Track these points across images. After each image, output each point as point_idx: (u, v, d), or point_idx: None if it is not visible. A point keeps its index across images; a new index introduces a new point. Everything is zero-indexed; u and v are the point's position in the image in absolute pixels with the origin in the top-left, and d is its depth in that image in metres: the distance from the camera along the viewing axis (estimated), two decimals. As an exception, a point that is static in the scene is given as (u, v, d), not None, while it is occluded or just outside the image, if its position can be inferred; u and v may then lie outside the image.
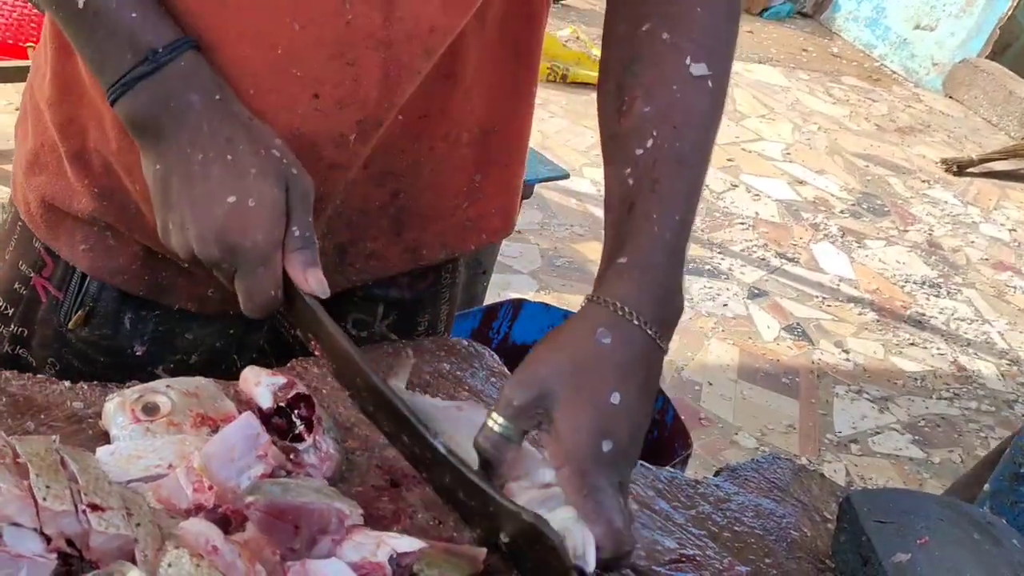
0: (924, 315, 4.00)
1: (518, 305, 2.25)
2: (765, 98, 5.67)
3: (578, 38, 5.19)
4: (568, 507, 0.82)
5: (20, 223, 1.08)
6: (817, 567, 1.01)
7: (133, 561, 0.68)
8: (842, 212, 4.66)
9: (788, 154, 5.08)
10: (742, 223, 4.30)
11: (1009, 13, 6.37)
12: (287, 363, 1.05)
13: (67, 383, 0.92)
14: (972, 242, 4.73)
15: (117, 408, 0.86)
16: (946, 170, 5.39)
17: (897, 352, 3.71)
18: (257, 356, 1.17)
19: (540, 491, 0.84)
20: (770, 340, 3.56)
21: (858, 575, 0.97)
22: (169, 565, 0.66)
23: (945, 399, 3.51)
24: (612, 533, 0.81)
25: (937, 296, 4.17)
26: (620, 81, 0.95)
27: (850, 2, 7.05)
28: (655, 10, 0.95)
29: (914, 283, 4.22)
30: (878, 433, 3.25)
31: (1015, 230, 4.95)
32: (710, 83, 0.93)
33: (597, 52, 4.88)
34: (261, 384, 0.88)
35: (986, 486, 1.70)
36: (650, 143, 0.91)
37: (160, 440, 0.82)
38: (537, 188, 2.76)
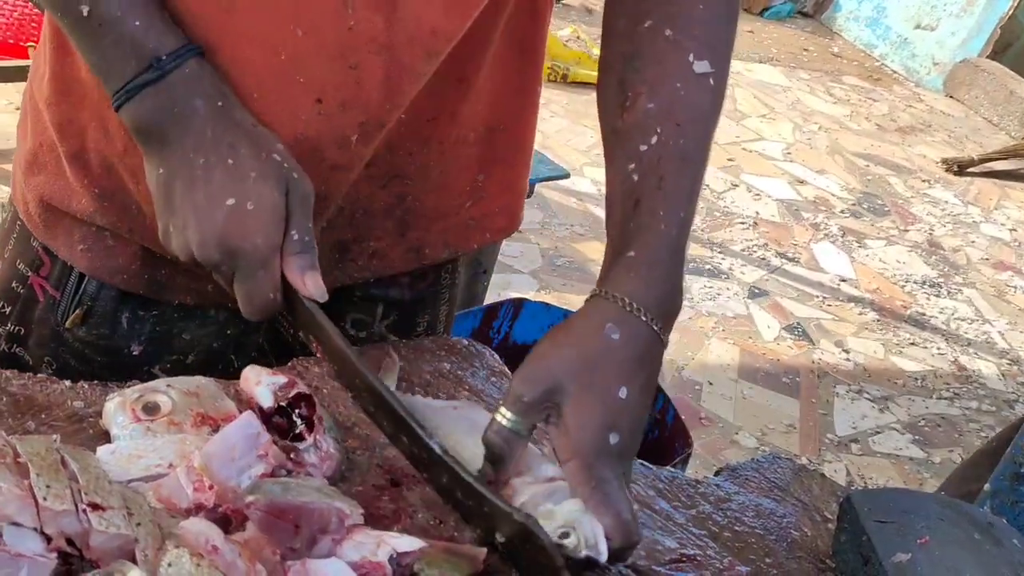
0: (924, 315, 4.00)
1: (519, 305, 2.25)
2: (766, 98, 5.66)
3: (578, 37, 5.19)
4: (575, 500, 0.83)
5: (19, 222, 1.09)
6: (817, 567, 1.01)
7: (133, 560, 0.68)
8: (842, 212, 4.66)
9: (789, 154, 5.07)
10: (743, 223, 4.29)
11: (1010, 13, 6.37)
12: (286, 363, 1.05)
13: (68, 382, 0.92)
14: (972, 242, 4.73)
15: (118, 407, 0.86)
16: (947, 170, 5.39)
17: (897, 352, 3.71)
18: (256, 356, 1.17)
19: (544, 485, 0.85)
20: (770, 340, 3.56)
21: (858, 575, 0.97)
22: (169, 564, 0.66)
23: (945, 399, 3.51)
24: (621, 524, 0.82)
25: (937, 296, 4.17)
26: (622, 76, 0.95)
27: (851, 2, 7.04)
28: (656, 7, 0.95)
29: (914, 283, 4.22)
30: (878, 433, 3.25)
31: (1015, 230, 4.95)
32: (712, 81, 0.94)
33: (598, 52, 4.88)
34: (262, 383, 0.88)
35: (986, 486, 1.70)
36: (654, 139, 0.92)
37: (160, 439, 0.82)
38: (538, 188, 2.77)
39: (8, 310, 1.10)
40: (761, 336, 3.57)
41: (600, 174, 4.29)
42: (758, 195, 4.57)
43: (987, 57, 6.47)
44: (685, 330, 3.43)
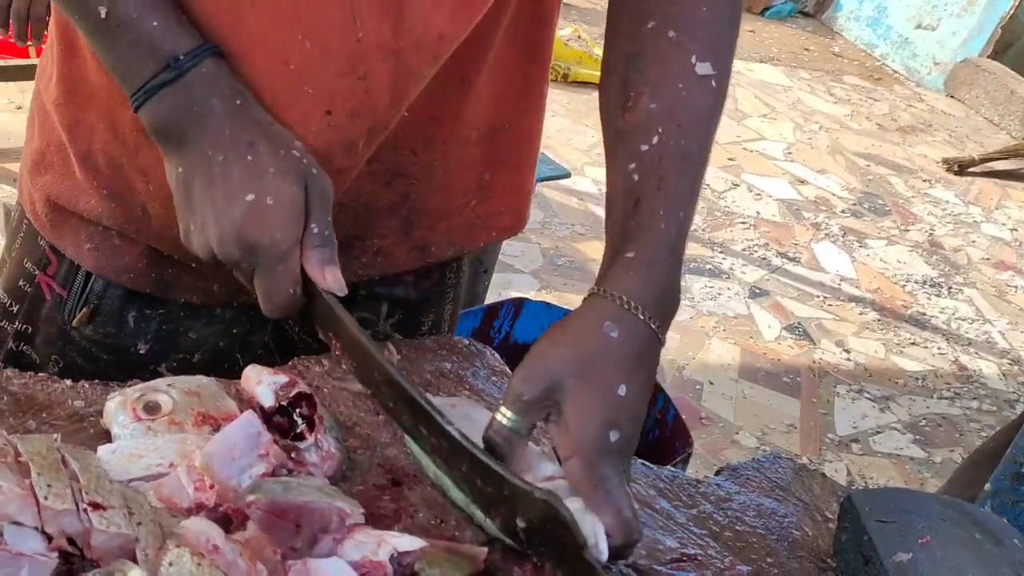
0: (925, 315, 4.00)
1: (519, 304, 2.25)
2: (767, 97, 5.66)
3: (579, 37, 5.19)
4: (575, 499, 0.83)
5: (25, 221, 1.09)
6: (818, 566, 1.01)
7: (134, 560, 0.68)
8: (843, 211, 4.66)
9: (789, 153, 5.07)
10: (743, 222, 4.29)
11: (1011, 12, 6.36)
12: (290, 362, 1.05)
13: (68, 382, 0.92)
14: (973, 242, 4.72)
15: (118, 407, 0.86)
16: (947, 170, 5.39)
17: (898, 351, 3.71)
18: (262, 354, 1.17)
19: (544, 484, 0.85)
20: (771, 339, 3.56)
21: (859, 575, 0.97)
22: (170, 564, 0.66)
23: (946, 399, 3.51)
24: (622, 521, 0.82)
25: (938, 296, 4.17)
26: (625, 77, 0.96)
27: (852, 1, 7.04)
28: (659, 9, 0.96)
29: (915, 282, 4.22)
30: (879, 432, 3.25)
31: (1016, 230, 4.95)
32: (714, 83, 0.94)
33: (598, 51, 4.88)
34: (263, 383, 0.88)
35: (987, 485, 1.70)
36: (656, 140, 0.92)
37: (161, 439, 0.82)
38: (538, 187, 2.76)
39: (15, 308, 1.11)
40: (762, 336, 3.57)
41: (601, 174, 4.28)
42: (759, 195, 4.57)
43: (988, 57, 6.46)
44: (686, 330, 3.43)
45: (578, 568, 0.78)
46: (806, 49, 6.63)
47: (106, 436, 0.86)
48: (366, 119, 0.93)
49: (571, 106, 4.75)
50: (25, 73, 3.01)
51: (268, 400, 0.87)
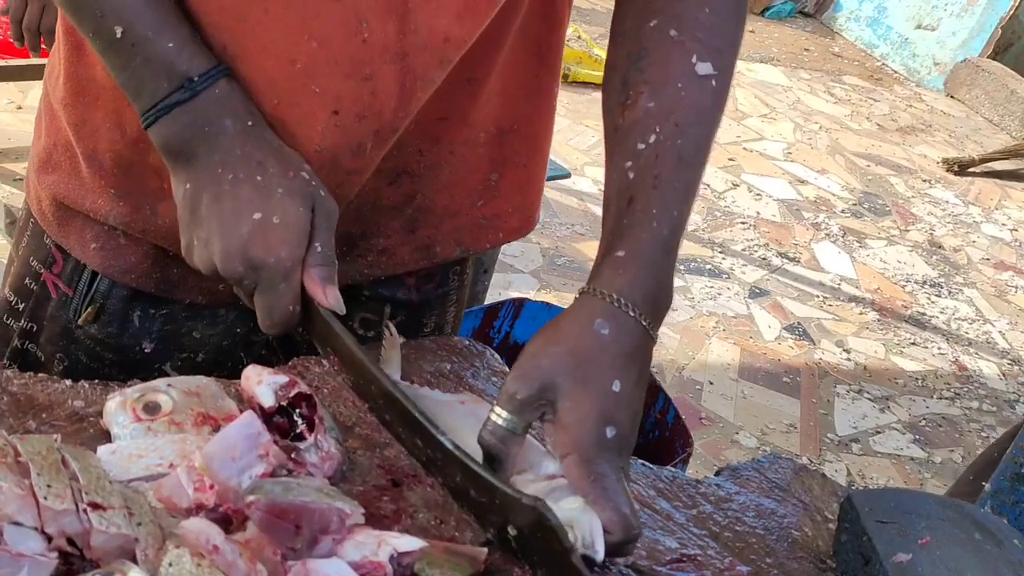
0: (925, 315, 4.00)
1: (519, 304, 2.25)
2: (766, 97, 5.66)
3: (579, 37, 5.19)
4: (574, 497, 0.83)
5: (32, 220, 1.10)
6: (818, 567, 1.01)
7: (134, 560, 0.67)
8: (843, 212, 4.66)
9: (789, 153, 5.07)
10: (743, 222, 4.29)
11: (1011, 13, 6.37)
12: (290, 362, 1.05)
13: (68, 382, 0.92)
14: (973, 242, 4.73)
15: (118, 407, 0.85)
16: (947, 170, 5.39)
17: (898, 352, 3.71)
18: (265, 354, 1.17)
19: (545, 482, 0.86)
20: (771, 340, 3.56)
21: (859, 575, 0.97)
22: (170, 564, 0.66)
23: (946, 399, 3.51)
24: (620, 518, 0.82)
25: (938, 296, 4.17)
26: (625, 75, 0.96)
27: (851, 2, 7.04)
28: (663, 8, 0.96)
29: (915, 283, 4.22)
30: (879, 433, 3.25)
31: (1016, 230, 4.95)
32: (714, 83, 0.94)
33: (598, 51, 4.88)
34: (263, 383, 0.88)
35: (987, 486, 1.70)
36: (652, 139, 0.92)
37: (161, 439, 0.82)
38: (538, 187, 2.75)
39: (21, 307, 1.11)
40: (762, 336, 3.57)
41: (601, 174, 4.29)
42: (759, 195, 4.57)
43: (988, 57, 6.47)
44: (686, 330, 3.43)
45: (566, 573, 0.78)
46: (806, 49, 6.63)
47: (106, 436, 0.86)
48: (373, 121, 0.94)
49: (571, 106, 4.75)
50: (25, 73, 3.01)
51: (268, 400, 0.87)
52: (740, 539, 1.01)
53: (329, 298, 0.88)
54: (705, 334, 3.47)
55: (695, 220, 3.97)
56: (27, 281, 1.11)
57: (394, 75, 0.92)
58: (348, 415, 0.98)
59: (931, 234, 4.68)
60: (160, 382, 0.89)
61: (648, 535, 0.95)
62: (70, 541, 0.67)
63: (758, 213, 4.41)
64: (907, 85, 6.55)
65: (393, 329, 1.07)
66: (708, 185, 4.43)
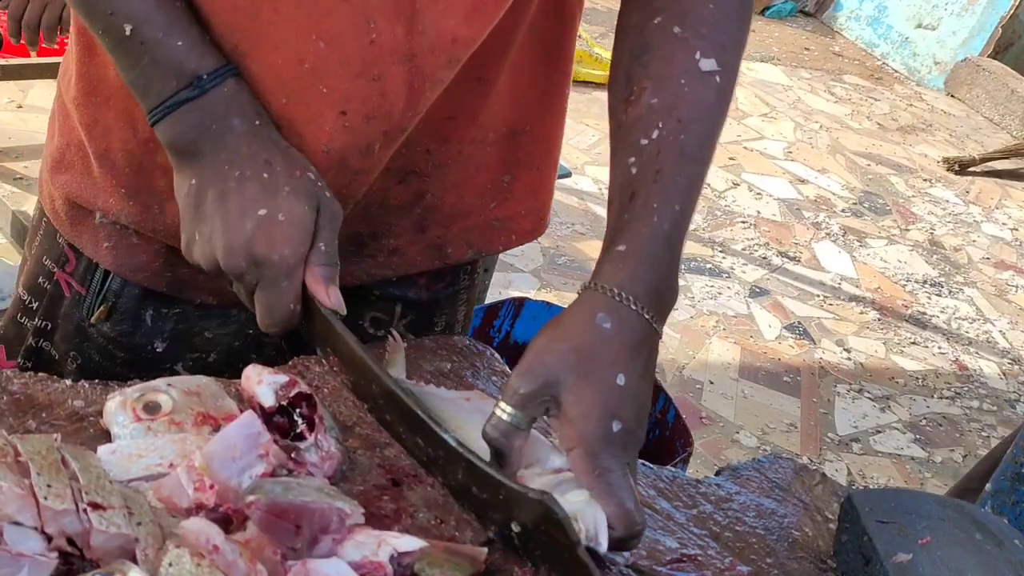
0: (925, 314, 4.00)
1: (519, 303, 2.25)
2: (767, 96, 5.66)
3: (580, 36, 5.18)
4: (580, 490, 0.83)
5: (45, 219, 1.11)
6: (818, 567, 1.01)
7: (134, 560, 0.67)
8: (844, 211, 4.66)
9: (790, 153, 5.07)
10: (743, 222, 4.29)
11: (1011, 12, 6.36)
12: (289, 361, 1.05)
13: (68, 382, 0.92)
14: (973, 241, 4.72)
15: (118, 407, 0.85)
16: (948, 169, 5.38)
17: (898, 351, 3.71)
18: (276, 355, 1.17)
19: (552, 476, 0.86)
20: (771, 339, 3.56)
21: (859, 575, 0.97)
22: (170, 564, 0.66)
23: (946, 398, 3.51)
24: (623, 513, 0.83)
25: (938, 295, 4.17)
26: (629, 72, 0.96)
27: (852, 1, 7.04)
28: (667, 4, 0.96)
29: (915, 282, 4.22)
30: (879, 432, 3.25)
31: (1016, 229, 4.95)
32: (718, 79, 0.95)
33: (599, 51, 4.88)
34: (263, 383, 0.88)
35: (987, 485, 1.70)
36: (655, 134, 0.92)
37: (161, 439, 0.82)
38: (539, 187, 2.75)
39: (35, 305, 1.12)
40: (762, 335, 3.56)
41: (601, 173, 4.30)
42: (759, 194, 4.57)
43: (988, 56, 6.46)
44: (686, 329, 3.43)
45: (572, 567, 0.78)
46: (806, 48, 6.63)
47: (106, 436, 0.86)
48: (382, 121, 0.94)
49: (571, 105, 4.67)
50: (25, 72, 3.01)
51: (268, 400, 0.87)
52: (740, 539, 1.01)
53: (331, 298, 0.88)
54: (705, 333, 3.47)
55: (695, 219, 3.97)
56: (40, 280, 1.11)
57: (403, 76, 0.92)
58: (348, 415, 0.98)
59: (931, 233, 4.68)
60: (160, 382, 0.89)
61: (648, 535, 0.95)
62: (70, 541, 0.67)
63: (758, 212, 4.41)
64: (907, 84, 6.54)
65: (397, 336, 1.07)
66: (708, 184, 4.42)
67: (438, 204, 1.09)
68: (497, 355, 1.18)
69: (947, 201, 5.05)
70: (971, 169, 5.41)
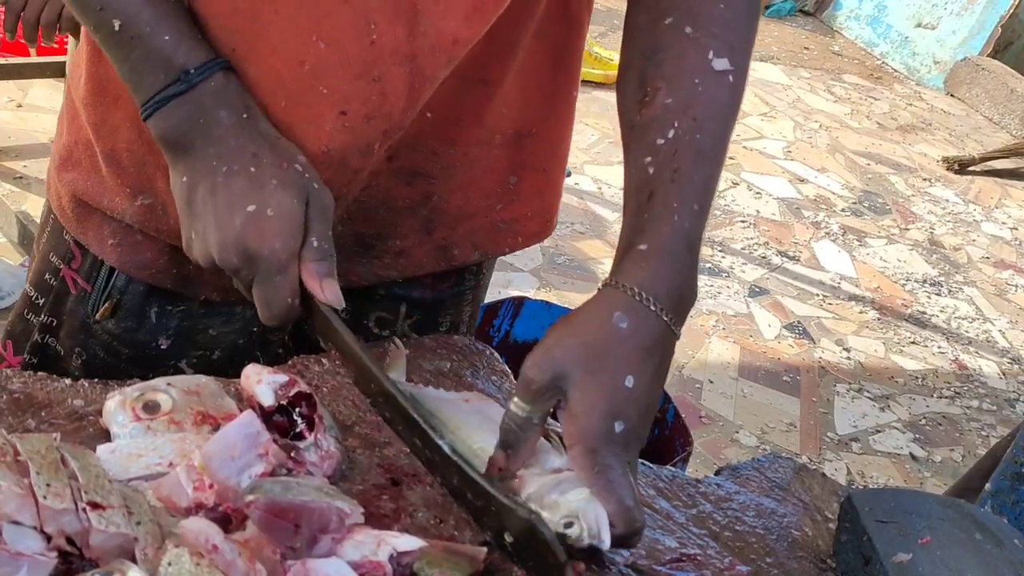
0: (925, 313, 4.00)
1: (519, 303, 2.25)
2: (766, 96, 5.66)
3: (580, 36, 5.18)
4: (580, 490, 0.84)
5: (52, 216, 1.11)
6: (818, 567, 1.01)
7: (133, 559, 0.67)
8: (843, 210, 4.66)
9: (789, 152, 5.07)
10: (743, 221, 4.29)
11: (1011, 11, 6.36)
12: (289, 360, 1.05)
13: (67, 381, 0.92)
14: (973, 240, 4.72)
15: (118, 406, 0.85)
16: (947, 168, 5.38)
17: (898, 350, 3.71)
18: (281, 353, 1.18)
19: (551, 476, 0.86)
20: (771, 338, 3.56)
21: (859, 575, 0.97)
22: (169, 564, 0.66)
23: (946, 398, 3.51)
24: (623, 511, 0.83)
25: (938, 294, 4.17)
26: (642, 72, 0.96)
27: (851, 0, 7.04)
28: (677, 5, 0.96)
29: (915, 281, 4.22)
30: (879, 432, 3.25)
31: (1016, 229, 4.95)
32: (731, 78, 0.95)
33: (599, 50, 4.87)
34: (262, 382, 0.88)
35: (987, 485, 1.70)
36: (671, 134, 0.93)
37: (161, 438, 0.82)
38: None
39: (41, 301, 1.13)
40: (761, 335, 3.56)
41: (601, 172, 4.31)
42: (759, 193, 4.57)
43: (988, 56, 6.46)
44: (685, 328, 3.37)
45: None
46: (806, 48, 6.62)
47: (105, 435, 0.86)
48: (382, 121, 0.94)
49: (571, 105, 4.74)
50: (25, 72, 3.01)
51: (268, 399, 0.87)
52: (740, 539, 1.00)
53: (327, 293, 0.88)
54: (705, 333, 3.47)
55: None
56: (47, 276, 1.12)
57: (403, 77, 0.92)
58: (348, 414, 0.98)
59: (931, 233, 4.68)
60: (159, 381, 0.89)
61: (648, 534, 0.95)
62: (69, 540, 0.67)
63: (758, 212, 4.41)
64: (907, 84, 6.54)
65: (399, 343, 1.07)
66: (708, 184, 4.41)
67: (444, 206, 1.09)
68: (496, 354, 1.18)
69: (947, 200, 5.05)
70: (971, 168, 5.41)
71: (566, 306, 2.27)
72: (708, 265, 3.87)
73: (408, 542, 0.77)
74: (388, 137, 0.96)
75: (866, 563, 0.96)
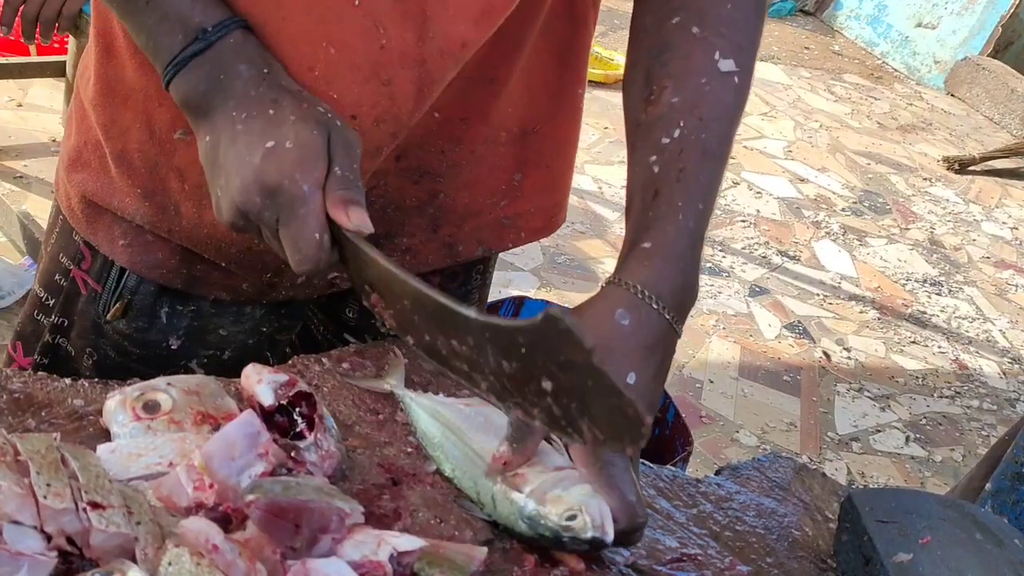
0: (925, 313, 4.00)
1: (519, 302, 2.25)
2: (767, 96, 5.66)
3: (580, 35, 5.17)
4: (583, 485, 0.85)
5: (61, 217, 1.11)
6: (819, 567, 1.01)
7: (133, 559, 0.67)
8: (843, 210, 4.66)
9: (790, 152, 5.07)
10: (743, 221, 4.29)
11: (1011, 11, 6.36)
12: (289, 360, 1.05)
13: (68, 380, 0.92)
14: (973, 240, 4.72)
15: (118, 406, 0.85)
16: (948, 168, 5.38)
17: (898, 350, 3.70)
18: (289, 353, 1.18)
19: (553, 473, 0.87)
20: (771, 338, 3.56)
21: (860, 575, 0.97)
22: (169, 563, 0.66)
23: (946, 397, 3.51)
24: (625, 505, 0.84)
25: (938, 294, 4.17)
26: (648, 71, 0.97)
27: (852, 0, 7.04)
28: (684, 5, 0.97)
29: (915, 281, 4.22)
30: (879, 431, 3.25)
31: (1016, 228, 4.95)
32: (736, 79, 0.96)
33: (599, 49, 4.86)
34: (263, 382, 0.88)
35: (987, 485, 1.70)
36: (676, 133, 0.93)
37: (161, 438, 0.82)
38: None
39: (52, 302, 1.13)
40: (762, 334, 3.56)
41: (601, 172, 4.30)
42: (759, 193, 4.57)
43: (988, 55, 6.46)
44: (686, 328, 3.39)
45: (602, 395, 0.69)
46: (806, 47, 6.62)
47: (105, 435, 0.85)
48: (391, 124, 0.94)
49: (571, 104, 4.73)
50: (26, 71, 3.01)
51: (268, 399, 0.87)
52: (740, 538, 1.00)
53: (352, 218, 0.82)
54: (705, 332, 3.47)
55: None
56: (57, 277, 1.12)
57: (412, 80, 0.92)
58: (348, 414, 0.98)
59: (931, 232, 4.68)
60: (159, 381, 0.89)
61: (648, 534, 0.95)
62: (69, 540, 0.67)
63: (758, 211, 4.41)
64: (907, 83, 6.54)
65: (399, 352, 1.07)
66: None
67: (451, 203, 1.09)
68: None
69: (947, 200, 5.05)
70: (971, 168, 5.41)
71: (565, 306, 2.28)
72: (708, 265, 3.87)
73: (408, 542, 0.77)
74: (396, 139, 0.96)
75: (866, 563, 0.96)
